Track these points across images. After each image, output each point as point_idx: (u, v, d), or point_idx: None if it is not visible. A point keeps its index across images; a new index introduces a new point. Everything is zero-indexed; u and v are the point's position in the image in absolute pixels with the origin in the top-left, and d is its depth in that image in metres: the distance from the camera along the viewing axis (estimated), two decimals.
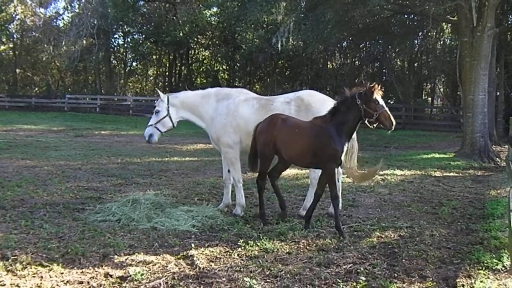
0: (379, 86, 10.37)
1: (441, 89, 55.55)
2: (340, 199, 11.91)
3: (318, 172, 11.43)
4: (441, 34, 50.56)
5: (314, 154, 10.56)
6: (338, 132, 10.38)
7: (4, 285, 7.46)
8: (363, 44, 52.47)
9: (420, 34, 47.56)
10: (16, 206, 12.12)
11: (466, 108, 26.56)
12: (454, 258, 9.29)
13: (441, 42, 52.05)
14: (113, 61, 69.56)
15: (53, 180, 15.42)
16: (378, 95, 10.22)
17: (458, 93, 43.05)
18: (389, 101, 52.80)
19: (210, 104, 12.27)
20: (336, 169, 10.81)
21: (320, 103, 11.87)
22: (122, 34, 66.81)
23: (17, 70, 70.16)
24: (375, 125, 10.32)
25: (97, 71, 67.56)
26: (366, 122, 10.35)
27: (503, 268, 8.77)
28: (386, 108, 10.19)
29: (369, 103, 10.15)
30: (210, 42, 62.27)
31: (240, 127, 11.87)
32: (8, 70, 70.75)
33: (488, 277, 8.24)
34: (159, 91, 12.91)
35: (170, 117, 12.26)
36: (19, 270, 8.00)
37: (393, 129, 10.20)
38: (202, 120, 12.45)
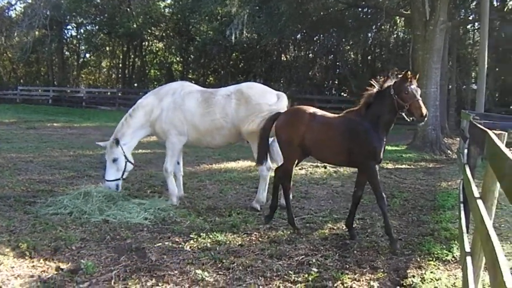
0: (412, 74, 9.52)
1: None
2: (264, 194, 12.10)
3: (267, 164, 11.49)
4: (395, 27, 50.98)
5: (350, 152, 9.81)
6: (374, 127, 9.59)
7: None
8: (317, 37, 52.63)
9: (373, 27, 47.94)
10: None
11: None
12: (405, 249, 9.41)
13: (395, 36, 52.46)
14: (66, 53, 68.96)
15: (4, 173, 15.22)
16: (410, 84, 9.37)
17: None
18: (342, 93, 53.16)
19: (156, 107, 12.14)
20: (376, 167, 9.84)
21: (260, 95, 11.95)
22: (75, 25, 66.32)
23: None
24: (411, 117, 9.59)
25: (50, 62, 66.93)
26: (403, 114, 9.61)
27: (453, 259, 8.91)
28: (419, 98, 9.35)
29: (400, 93, 9.36)
30: (164, 34, 61.97)
31: (187, 120, 11.87)
32: None
33: (439, 268, 8.38)
34: (101, 144, 12.67)
35: (128, 160, 12.20)
36: None
37: (423, 121, 9.68)
38: (154, 126, 12.37)
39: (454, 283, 7.81)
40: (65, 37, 67.27)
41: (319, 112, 10.50)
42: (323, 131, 10.04)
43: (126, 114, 12.39)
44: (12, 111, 43.47)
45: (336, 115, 10.40)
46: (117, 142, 12.01)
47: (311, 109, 10.51)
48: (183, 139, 11.98)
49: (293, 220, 10.43)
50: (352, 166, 11.23)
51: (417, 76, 9.89)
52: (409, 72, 9.42)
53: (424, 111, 9.27)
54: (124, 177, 12.24)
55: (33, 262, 8.12)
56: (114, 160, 12.02)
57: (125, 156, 12.02)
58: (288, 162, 10.57)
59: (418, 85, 9.62)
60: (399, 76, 9.56)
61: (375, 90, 9.79)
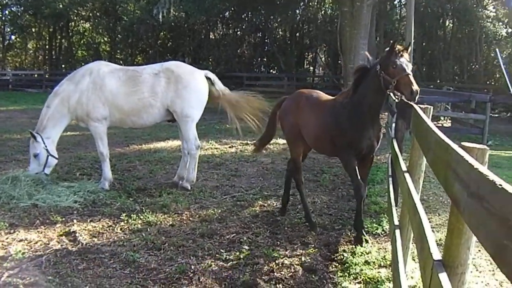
0: (403, 47, 8.25)
1: (323, 59, 56.23)
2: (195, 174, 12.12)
3: (189, 142, 11.54)
4: (322, 4, 51.33)
5: (331, 140, 8.86)
6: (357, 112, 8.42)
7: None
8: (245, 15, 52.59)
9: (301, 4, 48.16)
10: None
11: (346, 77, 27.05)
12: (336, 224, 9.55)
13: (322, 12, 52.68)
14: None
15: None
16: (399, 57, 8.03)
17: (339, 62, 43.72)
18: (271, 71, 53.29)
19: (73, 92, 11.71)
20: (353, 157, 8.67)
21: (190, 74, 11.90)
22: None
23: None
24: (398, 96, 8.05)
25: None
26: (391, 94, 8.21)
27: (382, 232, 9.07)
28: (409, 73, 7.94)
29: (387, 68, 8.02)
30: (90, 14, 61.15)
31: (108, 100, 11.60)
32: None
33: (368, 242, 8.47)
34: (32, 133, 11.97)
35: (50, 154, 11.89)
36: None
37: (414, 99, 7.76)
38: (75, 112, 11.96)
39: (384, 256, 7.94)
40: None
41: (316, 94, 9.74)
42: (312, 118, 9.24)
43: (44, 105, 12.12)
44: None
45: (329, 98, 9.43)
46: (38, 136, 11.70)
47: (307, 93, 9.91)
48: (105, 121, 11.78)
49: (310, 216, 9.58)
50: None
51: (409, 49, 8.51)
52: (398, 44, 8.22)
53: (415, 86, 7.82)
54: (47, 172, 11.87)
55: None
56: (35, 155, 11.72)
57: (47, 150, 11.80)
58: (293, 153, 10.02)
59: (409, 60, 8.28)
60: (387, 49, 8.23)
61: (362, 66, 8.85)
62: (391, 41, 8.59)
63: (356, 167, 8.59)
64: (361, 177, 8.65)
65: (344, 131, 8.57)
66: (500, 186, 2.14)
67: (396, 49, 8.08)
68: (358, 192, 8.56)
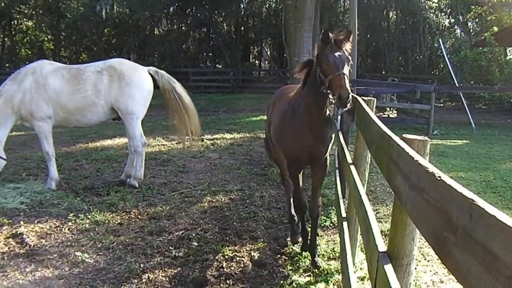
0: (342, 34, 6.76)
1: (268, 52, 56.33)
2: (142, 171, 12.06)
3: (135, 139, 11.51)
4: None
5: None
6: (293, 113, 7.37)
7: None
8: (189, 10, 52.41)
9: None
10: None
11: (292, 70, 27.03)
12: (284, 218, 9.57)
13: (267, 6, 52.81)
14: None
15: None
16: (333, 50, 6.57)
17: (285, 55, 43.81)
18: (217, 65, 53.23)
19: (16, 92, 11.55)
20: (293, 164, 7.66)
21: (133, 71, 11.82)
22: None
23: None
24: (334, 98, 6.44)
25: None
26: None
27: (331, 225, 9.17)
28: (341, 72, 6.41)
29: (321, 64, 6.65)
30: (33, 12, 60.49)
31: (52, 99, 11.47)
32: None
33: (317, 234, 8.51)
34: None
35: None
36: None
37: (344, 106, 6.38)
38: (19, 112, 11.89)
39: (333, 248, 8.03)
40: None
41: (289, 90, 8.44)
42: (273, 118, 8.16)
43: None
44: None
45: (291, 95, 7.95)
46: None
47: (286, 88, 8.82)
48: (50, 120, 11.64)
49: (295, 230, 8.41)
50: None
51: (350, 37, 6.83)
52: (336, 33, 6.76)
53: (345, 91, 6.26)
54: None
55: None
56: None
57: None
58: (279, 165, 9.09)
59: (348, 52, 6.71)
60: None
61: (308, 61, 7.47)
62: (323, 30, 7.46)
63: (299, 176, 7.71)
64: (312, 187, 7.99)
65: (279, 135, 7.74)
66: (439, 178, 2.18)
67: (332, 40, 6.62)
68: (299, 205, 7.85)
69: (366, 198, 4.44)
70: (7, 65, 58.82)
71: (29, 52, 61.36)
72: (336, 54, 6.51)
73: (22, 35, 63.76)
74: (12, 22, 61.27)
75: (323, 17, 39.21)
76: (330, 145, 7.62)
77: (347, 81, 6.38)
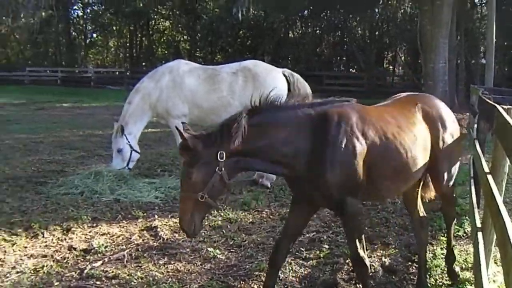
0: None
1: (402, 58, 55.67)
2: None
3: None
4: (402, 2, 50.76)
5: None
6: None
7: None
8: (324, 13, 52.36)
9: (380, 2, 47.73)
10: None
11: (427, 76, 26.80)
12: None
13: (402, 11, 52.17)
14: (73, 33, 68.61)
15: (14, 154, 15.27)
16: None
17: (419, 61, 43.19)
18: (351, 70, 53.02)
19: (153, 89, 11.98)
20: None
21: (266, 73, 11.93)
22: (81, 6, 66.20)
23: None
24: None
25: (57, 43, 66.61)
26: None
27: (464, 235, 8.95)
28: None
29: None
30: (170, 13, 61.82)
31: (188, 98, 11.80)
32: None
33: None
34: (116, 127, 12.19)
35: (133, 149, 12.13)
36: None
37: None
38: (156, 109, 12.24)
39: (466, 258, 7.85)
40: (72, 17, 67.10)
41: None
42: None
43: (126, 101, 12.38)
44: (20, 92, 43.35)
45: None
46: (122, 131, 11.88)
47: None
48: (185, 118, 11.78)
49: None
50: None
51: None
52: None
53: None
54: (130, 167, 12.17)
55: (45, 242, 8.22)
56: (119, 151, 11.98)
57: (130, 145, 12.01)
58: None
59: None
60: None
61: None
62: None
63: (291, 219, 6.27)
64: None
65: None
66: None
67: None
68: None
69: (504, 208, 4.34)
70: (143, 64, 60.25)
71: (166, 52, 62.77)
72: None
73: (159, 35, 65.38)
74: (150, 22, 62.83)
75: (459, 23, 38.43)
76: None
77: None
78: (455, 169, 6.99)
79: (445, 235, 8.48)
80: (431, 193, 7.20)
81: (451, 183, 6.94)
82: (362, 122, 5.60)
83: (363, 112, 5.79)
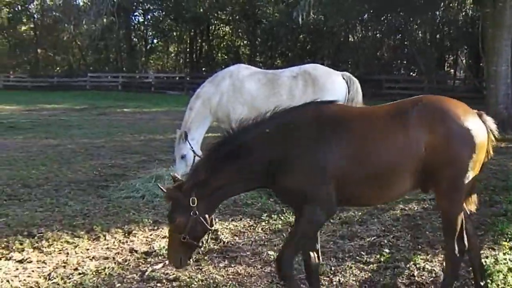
0: None
1: (464, 61, 55.02)
2: None
3: None
4: (463, 5, 50.13)
5: None
6: None
7: (31, 261, 7.60)
8: (384, 17, 52.03)
9: (441, 5, 47.22)
10: (41, 184, 12.25)
11: (489, 80, 26.34)
12: (478, 230, 9.22)
13: (463, 14, 51.57)
14: (134, 39, 69.41)
15: (76, 158, 15.54)
16: None
17: (481, 64, 42.65)
18: (411, 73, 52.57)
19: (213, 94, 12.02)
20: None
21: (326, 77, 11.85)
22: (142, 12, 66.91)
23: (39, 50, 70.21)
24: None
25: (118, 49, 67.45)
26: None
27: None
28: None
29: None
30: (230, 18, 62.07)
31: (248, 102, 11.80)
32: (30, 50, 70.68)
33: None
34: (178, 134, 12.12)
35: (196, 154, 12.01)
36: (45, 247, 8.16)
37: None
38: (216, 114, 12.28)
39: None
40: (133, 23, 67.87)
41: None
42: None
43: (187, 108, 12.41)
44: (82, 98, 43.99)
45: None
46: (185, 137, 11.87)
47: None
48: None
49: None
50: None
51: None
52: None
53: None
54: None
55: (107, 244, 8.36)
56: (183, 157, 11.99)
57: (193, 151, 12.01)
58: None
59: None
60: None
61: None
62: None
63: None
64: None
65: None
66: None
67: None
68: None
69: None
70: (203, 69, 60.55)
71: (225, 57, 63.10)
72: None
73: (219, 40, 65.66)
74: (210, 28, 63.21)
75: None
76: None
77: None
78: (464, 179, 5.88)
79: (507, 240, 8.38)
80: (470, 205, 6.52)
81: (457, 196, 5.98)
82: (330, 127, 5.74)
83: (334, 117, 5.89)
